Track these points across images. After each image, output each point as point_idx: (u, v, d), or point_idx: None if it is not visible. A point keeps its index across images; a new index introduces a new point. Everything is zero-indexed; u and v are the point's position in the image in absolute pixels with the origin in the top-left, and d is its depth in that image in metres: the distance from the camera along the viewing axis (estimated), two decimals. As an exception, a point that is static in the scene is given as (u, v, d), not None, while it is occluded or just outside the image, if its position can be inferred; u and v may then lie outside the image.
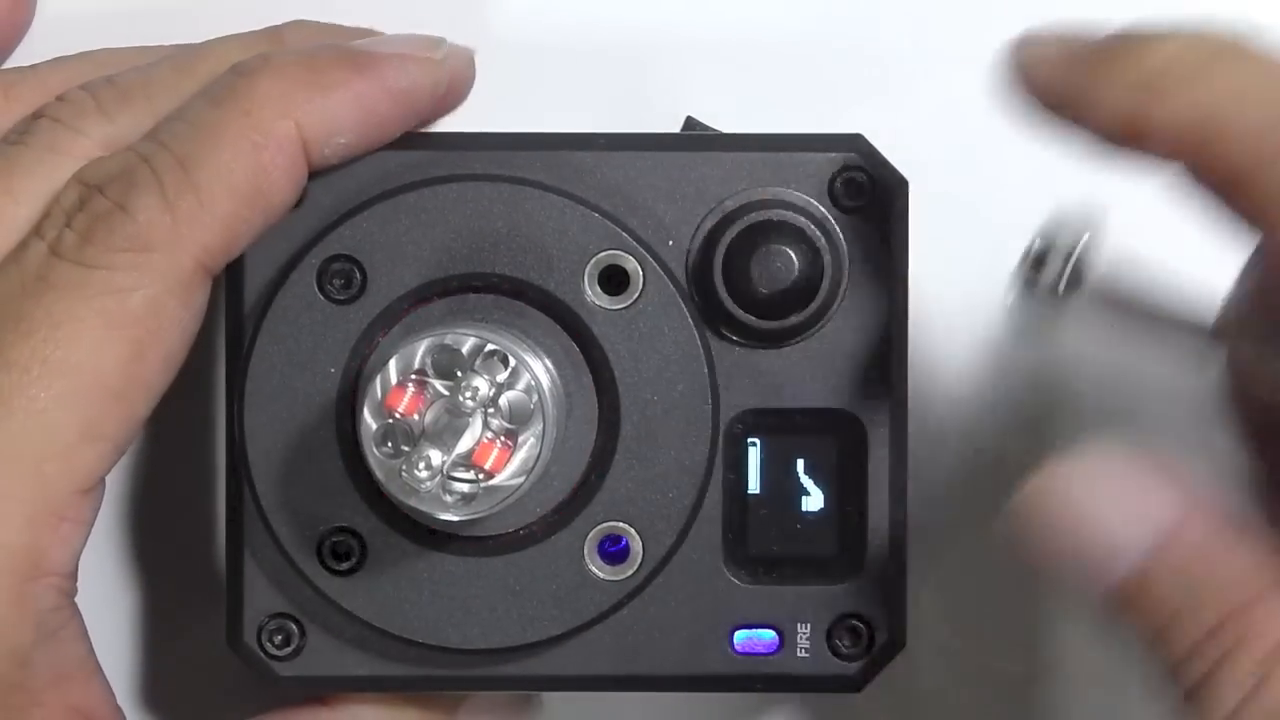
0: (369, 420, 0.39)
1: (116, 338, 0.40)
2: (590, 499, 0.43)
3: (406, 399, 0.38)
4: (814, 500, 0.44)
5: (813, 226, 0.43)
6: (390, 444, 0.39)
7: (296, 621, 0.43)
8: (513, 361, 0.39)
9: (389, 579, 0.43)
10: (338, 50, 0.42)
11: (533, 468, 0.39)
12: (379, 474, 0.39)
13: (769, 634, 0.44)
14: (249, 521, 0.43)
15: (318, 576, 0.43)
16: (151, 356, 0.40)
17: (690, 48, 0.51)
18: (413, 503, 0.39)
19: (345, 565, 0.42)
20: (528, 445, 0.39)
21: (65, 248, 0.40)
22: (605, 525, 0.43)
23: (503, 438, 0.39)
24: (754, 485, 0.44)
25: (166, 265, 0.40)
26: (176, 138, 0.41)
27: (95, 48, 0.47)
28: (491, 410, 0.39)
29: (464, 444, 0.39)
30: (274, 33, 0.45)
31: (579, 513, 0.43)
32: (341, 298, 0.42)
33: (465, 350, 0.39)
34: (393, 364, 0.39)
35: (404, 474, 0.39)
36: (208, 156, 0.40)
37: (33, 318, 0.39)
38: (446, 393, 0.39)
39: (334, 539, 0.42)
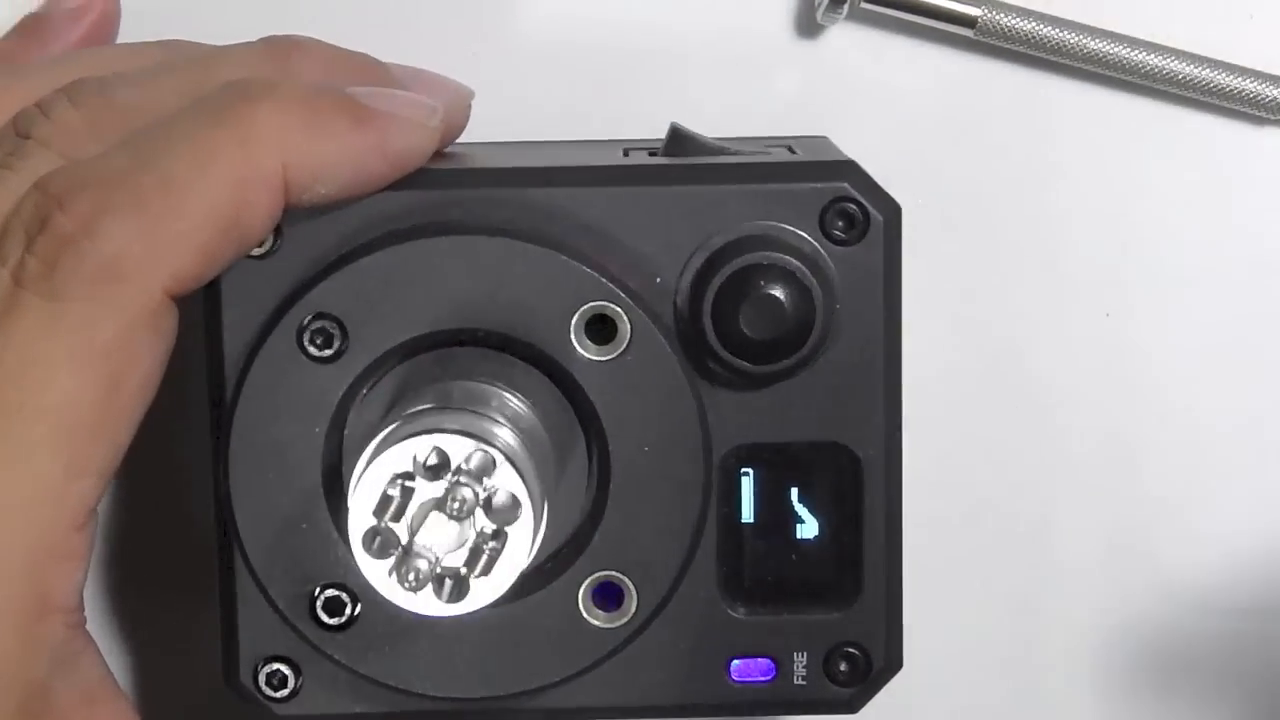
0: (356, 522, 0.38)
1: (90, 375, 0.39)
2: (583, 548, 0.42)
3: (393, 507, 0.38)
4: (809, 528, 0.44)
5: (804, 268, 0.41)
6: (379, 545, 0.38)
7: (293, 664, 0.43)
8: (501, 461, 0.38)
9: (384, 632, 0.42)
10: (340, 98, 0.41)
11: (524, 562, 0.38)
12: (369, 576, 0.38)
13: (766, 662, 0.44)
14: (240, 574, 0.43)
15: (311, 632, 0.42)
16: (126, 387, 0.39)
17: (681, 51, 0.50)
18: (405, 604, 0.38)
19: (338, 620, 0.42)
20: (518, 542, 0.38)
21: (29, 277, 0.38)
22: (599, 575, 0.42)
23: (492, 543, 0.38)
24: (748, 514, 0.43)
25: (136, 296, 0.39)
26: (162, 156, 0.39)
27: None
28: (480, 509, 0.38)
29: (453, 548, 0.38)
30: (279, 53, 0.43)
31: (572, 562, 0.42)
32: (323, 356, 0.41)
33: (452, 453, 0.38)
34: (377, 468, 0.38)
35: (394, 578, 0.38)
36: (194, 181, 0.39)
37: (2, 361, 0.38)
38: (435, 493, 0.38)
39: (327, 594, 0.42)
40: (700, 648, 0.43)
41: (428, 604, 0.38)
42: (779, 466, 0.43)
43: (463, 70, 0.46)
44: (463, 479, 0.38)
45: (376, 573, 0.38)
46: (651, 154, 0.45)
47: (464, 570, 0.38)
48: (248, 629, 0.43)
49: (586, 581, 0.42)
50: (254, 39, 0.44)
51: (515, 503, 0.38)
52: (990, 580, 0.52)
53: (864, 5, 0.48)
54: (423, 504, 0.38)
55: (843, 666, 0.44)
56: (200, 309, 0.42)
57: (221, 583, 0.43)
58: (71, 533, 0.40)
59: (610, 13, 0.50)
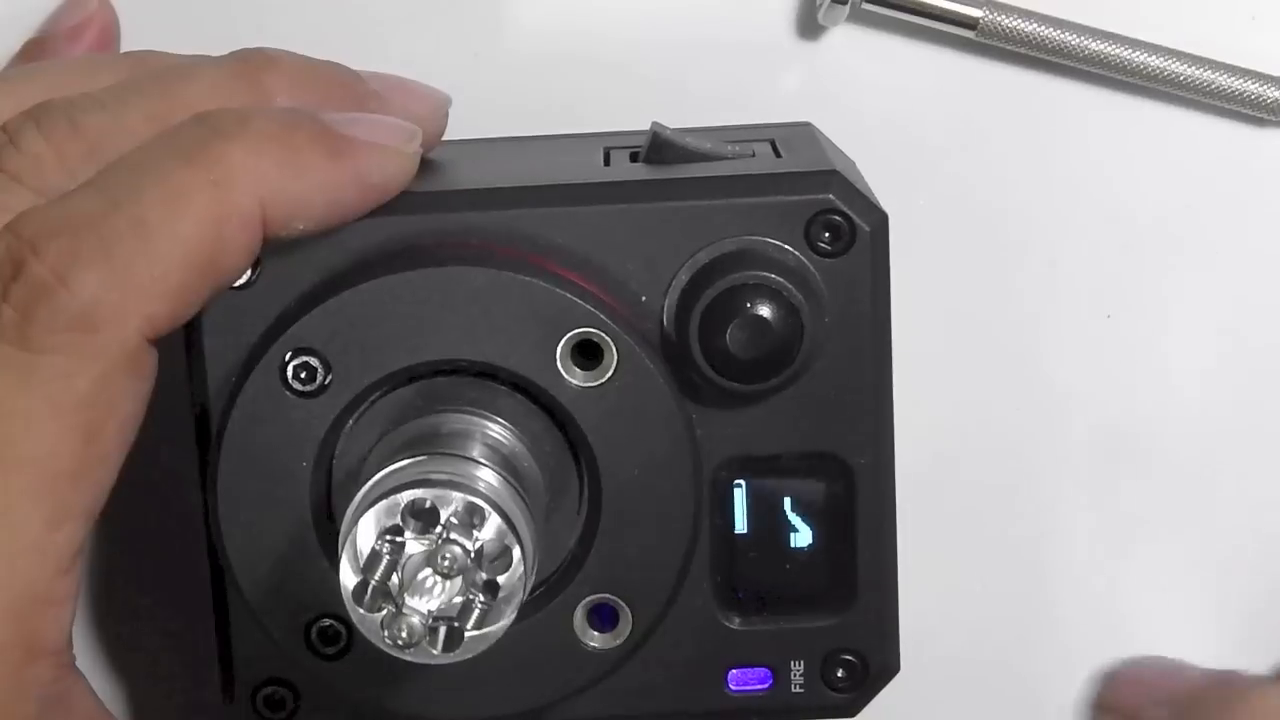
0: (346, 578, 0.38)
1: (68, 425, 0.38)
2: (577, 572, 0.42)
3: (383, 565, 0.37)
4: (802, 537, 0.43)
5: (790, 285, 0.41)
6: (371, 599, 0.38)
7: (290, 686, 0.43)
8: (489, 511, 0.38)
9: (379, 658, 0.42)
10: (315, 129, 0.40)
11: (515, 611, 0.38)
12: (363, 630, 0.38)
13: (763, 671, 0.44)
14: (234, 603, 0.42)
15: (308, 660, 0.42)
16: (106, 434, 0.39)
17: (682, 51, 0.49)
18: (399, 655, 0.38)
19: (334, 649, 0.42)
20: (509, 593, 0.38)
21: (4, 326, 0.38)
22: (594, 597, 0.42)
23: (484, 595, 0.38)
24: (741, 525, 0.43)
25: (113, 343, 0.38)
26: (134, 196, 0.38)
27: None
28: (471, 560, 0.38)
29: (445, 603, 0.38)
30: (250, 71, 0.42)
31: (567, 586, 0.42)
32: (306, 390, 0.41)
33: (440, 505, 0.38)
34: (364, 525, 0.38)
35: (387, 634, 0.38)
36: (167, 224, 0.38)
37: None
38: (425, 547, 0.38)
39: (321, 624, 0.42)
40: (697, 660, 0.43)
41: (422, 655, 0.38)
42: (771, 477, 0.43)
43: (465, 66, 0.46)
44: (452, 533, 0.38)
45: (370, 626, 0.38)
46: (633, 155, 0.44)
47: (457, 623, 0.38)
48: (244, 653, 0.43)
49: (581, 604, 0.42)
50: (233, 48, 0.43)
51: (505, 553, 0.38)
52: (990, 581, 0.52)
53: (865, 6, 0.48)
54: (412, 560, 0.38)
55: (840, 673, 0.43)
56: (181, 339, 0.42)
57: (216, 609, 0.43)
58: (57, 578, 0.39)
59: (612, 12, 0.49)
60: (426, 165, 0.43)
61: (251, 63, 0.42)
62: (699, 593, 0.43)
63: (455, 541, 0.38)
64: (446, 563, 0.38)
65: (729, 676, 0.43)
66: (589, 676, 0.43)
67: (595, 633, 0.42)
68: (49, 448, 0.38)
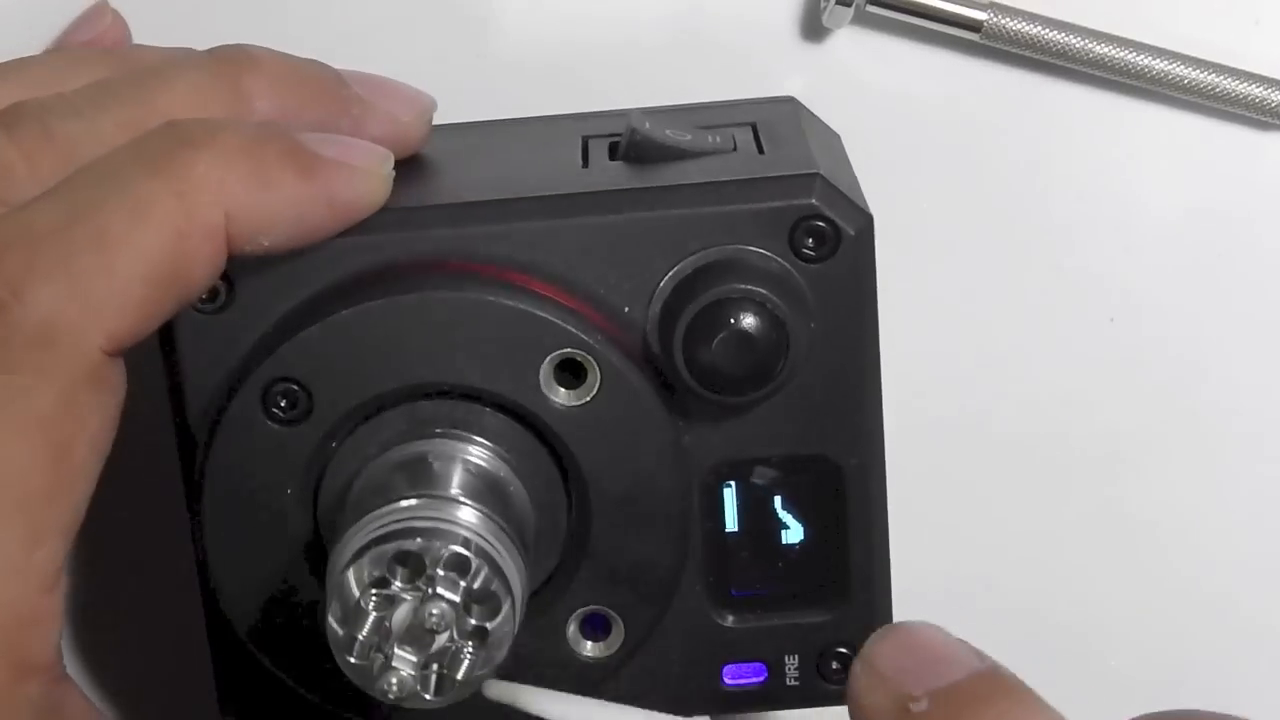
0: (334, 629, 0.38)
1: (33, 444, 0.37)
2: (568, 585, 0.42)
3: (369, 622, 0.37)
4: (794, 533, 0.43)
5: (774, 297, 0.40)
6: (359, 651, 0.38)
7: (284, 702, 0.43)
8: (475, 560, 0.37)
9: None
10: (286, 145, 0.39)
11: (504, 653, 0.38)
12: (353, 679, 0.38)
13: (758, 666, 0.44)
14: (225, 623, 0.42)
15: (299, 678, 0.42)
16: (76, 450, 0.38)
17: (686, 53, 0.49)
18: (393, 703, 0.38)
19: (329, 667, 0.42)
20: (499, 636, 0.38)
21: None
22: (585, 609, 0.42)
23: (472, 643, 0.38)
24: (731, 524, 0.43)
25: (73, 359, 0.37)
26: (95, 207, 0.37)
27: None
28: (459, 608, 0.38)
29: (434, 651, 0.38)
30: (229, 73, 0.41)
31: (559, 599, 0.42)
32: (288, 418, 0.40)
33: (426, 556, 0.37)
34: (349, 581, 0.37)
35: (378, 683, 0.38)
36: (129, 236, 0.37)
37: None
38: (412, 596, 0.37)
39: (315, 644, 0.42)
40: (692, 658, 0.43)
41: (415, 702, 0.38)
42: (760, 477, 0.42)
43: (467, 70, 0.46)
44: (438, 586, 0.37)
45: (361, 677, 0.38)
46: (613, 146, 0.43)
47: (447, 671, 0.38)
48: (236, 671, 0.43)
49: (573, 616, 0.42)
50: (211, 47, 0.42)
51: (493, 598, 0.38)
52: (992, 584, 0.52)
53: (869, 9, 0.47)
54: (400, 610, 0.37)
55: (834, 665, 0.43)
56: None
57: (209, 628, 0.43)
58: (40, 597, 0.39)
59: (614, 13, 0.48)
60: (406, 165, 0.42)
61: (232, 63, 0.41)
62: (692, 595, 0.43)
63: (442, 595, 0.37)
64: (434, 618, 0.37)
65: (724, 671, 0.43)
66: (585, 686, 0.42)
67: (588, 643, 0.42)
68: (18, 468, 0.37)
